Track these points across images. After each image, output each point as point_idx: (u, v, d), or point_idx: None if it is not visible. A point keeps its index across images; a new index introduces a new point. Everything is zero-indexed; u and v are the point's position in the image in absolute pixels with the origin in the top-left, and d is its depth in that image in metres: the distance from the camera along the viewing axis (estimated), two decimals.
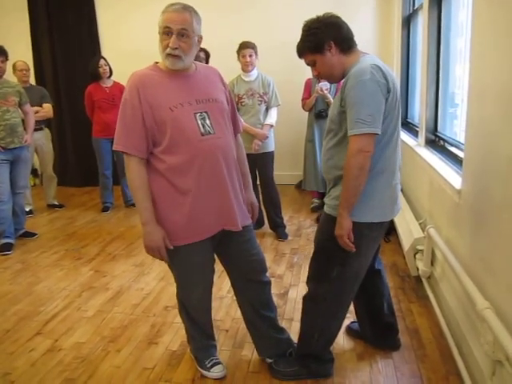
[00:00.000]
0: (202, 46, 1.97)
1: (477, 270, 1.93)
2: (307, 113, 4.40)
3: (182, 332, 2.29)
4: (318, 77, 1.93)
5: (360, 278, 1.96)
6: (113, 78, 4.72)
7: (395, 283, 2.90)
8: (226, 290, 2.86)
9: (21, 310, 2.79)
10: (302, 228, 4.11)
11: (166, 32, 1.69)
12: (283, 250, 3.60)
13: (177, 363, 2.21)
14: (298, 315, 2.56)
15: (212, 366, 2.08)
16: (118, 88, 4.59)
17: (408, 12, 4.42)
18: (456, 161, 2.55)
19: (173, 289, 2.15)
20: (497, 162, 1.74)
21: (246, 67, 3.65)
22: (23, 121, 3.91)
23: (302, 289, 2.90)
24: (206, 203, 1.80)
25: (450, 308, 2.31)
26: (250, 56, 3.60)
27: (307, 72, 3.80)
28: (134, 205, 4.63)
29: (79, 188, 5.89)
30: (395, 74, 4.52)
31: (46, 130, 4.82)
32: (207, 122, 1.77)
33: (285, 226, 3.94)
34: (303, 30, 1.80)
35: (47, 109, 4.65)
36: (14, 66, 4.52)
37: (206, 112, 1.78)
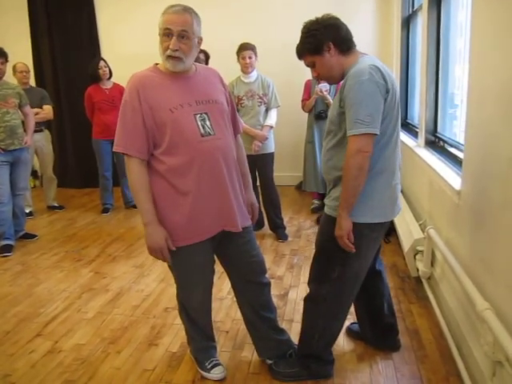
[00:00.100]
0: (202, 47, 1.97)
1: (477, 270, 1.93)
2: (307, 114, 4.40)
3: (182, 333, 2.29)
4: (318, 78, 1.94)
5: (360, 279, 1.96)
6: (112, 79, 4.72)
7: (395, 284, 2.90)
8: (226, 291, 2.86)
9: (21, 311, 2.79)
10: (301, 229, 4.10)
11: (166, 34, 1.69)
12: (283, 251, 3.60)
13: (177, 364, 2.21)
14: (297, 316, 2.57)
15: (212, 368, 2.08)
16: (118, 89, 4.59)
17: (407, 13, 4.42)
18: (456, 162, 2.55)
19: (173, 290, 2.15)
20: (496, 163, 1.74)
21: (246, 69, 3.65)
22: (23, 122, 3.91)
23: (302, 290, 2.91)
24: (206, 204, 1.80)
25: (450, 309, 2.31)
26: (250, 57, 3.61)
27: (307, 73, 3.80)
28: (134, 206, 4.64)
29: (79, 189, 5.89)
30: (395, 74, 4.53)
31: (46, 132, 4.82)
32: (207, 123, 1.77)
33: (285, 227, 3.94)
34: (302, 32, 1.81)
35: (47, 110, 4.65)
36: (13, 68, 4.52)
37: (205, 113, 1.78)
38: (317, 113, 4.24)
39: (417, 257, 2.86)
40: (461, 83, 2.83)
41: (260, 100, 3.69)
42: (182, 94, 1.76)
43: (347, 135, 1.68)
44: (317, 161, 4.31)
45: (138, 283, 3.12)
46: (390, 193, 1.83)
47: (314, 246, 2.04)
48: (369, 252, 1.92)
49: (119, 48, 5.60)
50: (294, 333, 2.36)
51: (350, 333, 2.36)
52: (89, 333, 2.51)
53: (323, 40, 1.75)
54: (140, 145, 1.73)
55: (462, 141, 2.43)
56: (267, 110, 3.75)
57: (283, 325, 2.39)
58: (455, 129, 3.03)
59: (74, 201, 5.43)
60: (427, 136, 3.29)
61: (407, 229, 3.12)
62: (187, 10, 1.71)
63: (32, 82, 5.09)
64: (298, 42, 1.84)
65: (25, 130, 3.89)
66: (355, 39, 1.84)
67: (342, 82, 1.79)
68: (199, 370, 2.12)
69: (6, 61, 3.73)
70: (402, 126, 4.08)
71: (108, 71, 4.62)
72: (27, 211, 4.52)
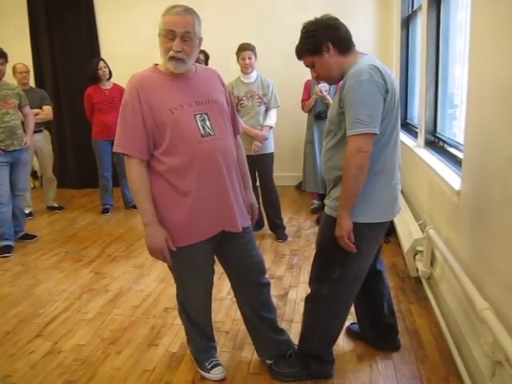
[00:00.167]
0: (202, 47, 1.97)
1: (476, 270, 1.93)
2: (307, 114, 4.41)
3: (181, 333, 2.29)
4: (318, 78, 1.94)
5: (361, 279, 1.96)
6: (112, 80, 4.72)
7: (395, 284, 2.90)
8: (225, 291, 2.86)
9: (21, 312, 2.79)
10: (301, 229, 4.11)
11: (168, 35, 1.68)
12: (283, 251, 3.60)
13: (177, 365, 2.21)
14: (297, 316, 2.57)
15: (212, 368, 2.08)
16: (118, 90, 4.60)
17: (407, 13, 4.42)
18: (455, 162, 2.56)
19: (173, 290, 2.15)
20: (496, 163, 1.74)
21: (246, 69, 3.65)
22: (23, 123, 3.91)
23: (302, 290, 2.91)
24: (206, 204, 1.80)
25: (449, 309, 2.31)
26: (250, 58, 3.61)
27: (306, 73, 3.80)
28: (133, 206, 4.64)
29: (79, 190, 5.89)
30: (394, 74, 4.53)
31: (46, 132, 4.82)
32: (207, 123, 1.78)
33: (284, 227, 3.94)
34: (302, 33, 1.82)
35: (47, 111, 4.65)
36: (13, 69, 4.53)
37: (205, 113, 1.78)
38: (316, 113, 4.24)
39: (416, 257, 2.86)
40: (460, 83, 2.83)
41: (260, 100, 3.69)
42: (181, 95, 1.76)
43: (347, 135, 1.69)
44: (316, 161, 4.31)
45: (138, 283, 3.12)
46: (389, 193, 1.83)
47: (313, 246, 2.04)
48: (369, 252, 1.92)
49: (119, 48, 5.60)
50: (294, 333, 2.36)
51: (350, 333, 2.36)
52: (89, 333, 2.52)
53: (322, 40, 1.76)
54: (140, 145, 1.73)
55: (461, 141, 2.43)
56: (267, 111, 3.75)
57: (283, 325, 2.39)
58: (455, 129, 3.03)
59: (73, 201, 5.43)
60: (427, 136, 3.29)
61: (407, 229, 3.12)
62: (189, 10, 1.71)
63: (32, 83, 5.10)
64: (297, 42, 1.85)
65: (24, 131, 3.89)
66: (355, 39, 1.84)
67: (341, 82, 1.79)
68: (199, 371, 2.12)
69: (6, 61, 3.73)
70: (402, 126, 4.08)
71: (108, 72, 4.62)
72: (27, 212, 4.53)
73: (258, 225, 3.92)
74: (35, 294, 3.02)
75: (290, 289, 2.95)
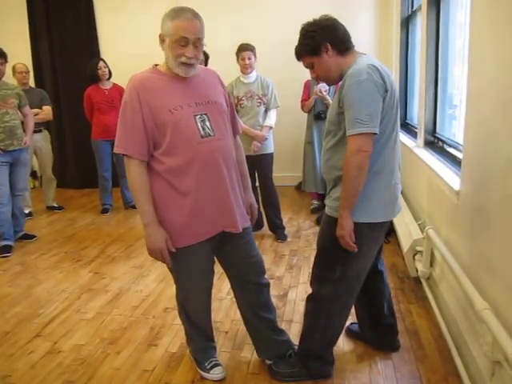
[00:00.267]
0: None
1: (476, 270, 1.93)
2: (306, 114, 4.41)
3: (181, 334, 2.29)
4: (317, 79, 1.94)
5: (362, 279, 1.97)
6: (112, 80, 4.72)
7: (394, 284, 2.90)
8: (225, 291, 2.86)
9: (20, 312, 2.79)
10: (301, 229, 4.11)
11: (181, 41, 1.68)
12: (282, 252, 3.60)
13: (176, 365, 2.21)
14: (297, 317, 2.57)
15: (211, 368, 2.08)
16: (118, 90, 4.60)
17: (407, 13, 4.43)
18: (455, 162, 2.56)
19: (172, 290, 2.15)
20: (495, 163, 1.74)
21: (245, 69, 3.65)
22: (22, 123, 3.91)
23: (302, 290, 2.91)
24: (205, 205, 1.80)
25: (449, 309, 2.32)
26: (249, 58, 3.61)
27: (306, 73, 3.80)
28: (133, 206, 4.64)
29: (78, 190, 5.89)
30: (394, 75, 4.53)
31: (46, 132, 4.82)
32: (207, 124, 1.78)
33: (284, 228, 3.94)
34: (300, 34, 1.82)
35: (47, 111, 4.65)
36: (13, 69, 4.53)
37: (205, 114, 1.78)
38: (316, 113, 4.24)
39: (416, 257, 2.86)
40: (460, 83, 2.83)
41: (259, 100, 3.69)
42: (182, 95, 1.76)
43: (347, 135, 1.69)
44: (316, 161, 4.31)
45: (138, 284, 3.12)
46: (389, 192, 1.83)
47: (313, 247, 2.05)
48: (370, 251, 1.93)
49: (118, 48, 5.59)
50: (294, 333, 2.36)
51: (350, 333, 2.36)
52: (88, 333, 2.51)
53: (321, 41, 1.76)
54: (140, 146, 1.73)
55: (461, 141, 2.43)
56: (266, 111, 3.76)
57: (282, 325, 2.39)
58: (454, 129, 3.03)
59: (73, 201, 5.43)
60: (426, 136, 3.29)
61: (406, 229, 3.12)
62: (197, 15, 1.71)
63: (31, 83, 5.10)
64: (297, 42, 1.85)
65: (24, 131, 3.89)
66: (355, 39, 1.85)
67: (340, 83, 1.79)
68: (199, 371, 2.12)
69: (6, 61, 3.73)
70: (401, 126, 4.08)
71: (107, 72, 4.62)
72: (26, 212, 4.53)
73: (258, 225, 3.93)
74: (35, 294, 3.02)
75: (290, 289, 2.95)
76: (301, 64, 1.91)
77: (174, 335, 2.45)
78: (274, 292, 2.56)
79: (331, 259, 1.90)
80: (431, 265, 2.70)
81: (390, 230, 3.41)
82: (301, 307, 2.68)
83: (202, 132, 1.76)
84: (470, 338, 1.97)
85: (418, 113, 3.57)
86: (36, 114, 4.37)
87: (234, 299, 2.15)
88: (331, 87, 4.06)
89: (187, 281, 1.97)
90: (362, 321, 2.29)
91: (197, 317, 2.07)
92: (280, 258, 3.48)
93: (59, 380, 2.13)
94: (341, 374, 2.08)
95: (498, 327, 1.55)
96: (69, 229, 4.40)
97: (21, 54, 5.35)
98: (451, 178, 2.39)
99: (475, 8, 2.03)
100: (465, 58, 2.35)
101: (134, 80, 1.75)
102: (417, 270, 2.83)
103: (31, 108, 4.10)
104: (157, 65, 1.84)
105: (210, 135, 1.77)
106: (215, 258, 2.01)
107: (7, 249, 3.75)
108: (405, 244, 3.03)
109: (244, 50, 3.62)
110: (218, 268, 2.03)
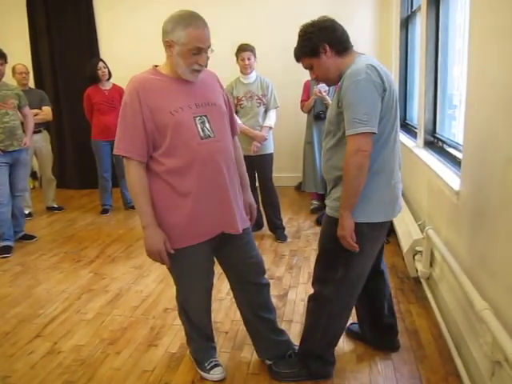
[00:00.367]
0: None
1: (476, 271, 1.93)
2: (306, 115, 4.41)
3: (181, 334, 2.29)
4: (317, 79, 1.95)
5: (363, 279, 1.97)
6: (111, 80, 4.71)
7: (394, 284, 2.90)
8: (225, 291, 2.86)
9: (20, 312, 2.79)
10: (301, 230, 4.11)
11: (195, 50, 1.68)
12: (282, 252, 3.60)
13: (176, 365, 2.21)
14: (297, 317, 2.57)
15: (211, 368, 2.08)
16: (117, 91, 4.60)
17: (406, 14, 4.43)
18: (454, 162, 2.56)
19: (172, 291, 2.16)
20: (495, 163, 1.74)
21: (245, 70, 3.66)
22: (22, 124, 3.91)
23: (302, 290, 2.91)
24: (206, 206, 1.80)
25: (449, 309, 2.32)
26: (249, 59, 3.61)
27: (306, 74, 3.80)
28: (133, 207, 4.60)
29: (78, 190, 5.89)
30: (394, 75, 4.53)
31: (45, 133, 4.82)
32: (207, 125, 1.78)
33: (284, 228, 3.94)
34: (299, 35, 1.83)
35: (46, 112, 4.65)
36: (13, 69, 4.53)
37: (205, 116, 1.78)
38: (316, 113, 4.25)
39: (416, 257, 2.86)
40: (459, 84, 2.84)
41: (259, 101, 3.69)
42: (182, 97, 1.76)
43: (346, 135, 1.69)
44: (316, 161, 4.31)
45: (138, 284, 3.12)
46: (389, 192, 1.84)
47: (313, 247, 2.05)
48: (371, 251, 1.93)
49: (118, 49, 5.60)
50: (294, 333, 2.36)
51: (350, 333, 2.36)
52: (88, 334, 2.52)
53: (319, 42, 1.77)
54: (140, 147, 1.73)
55: (460, 141, 2.43)
56: (266, 111, 3.76)
57: (282, 325, 2.39)
58: (454, 129, 3.03)
59: (73, 202, 5.43)
60: (426, 136, 3.29)
61: (406, 229, 3.12)
62: (204, 21, 1.71)
63: (31, 84, 5.10)
64: (296, 43, 1.85)
65: (24, 131, 3.89)
66: (354, 40, 1.85)
67: (339, 83, 1.80)
68: (199, 371, 2.12)
69: (6, 62, 3.73)
70: (401, 126, 4.08)
71: (107, 72, 4.62)
72: (26, 212, 4.53)
73: (258, 225, 3.93)
74: (35, 295, 3.02)
75: (290, 289, 2.95)
76: (300, 65, 1.91)
77: (174, 335, 2.45)
78: (273, 292, 2.56)
79: (333, 259, 1.90)
80: (431, 265, 2.71)
81: (389, 231, 3.41)
82: (301, 307, 2.69)
83: (202, 134, 1.76)
84: (470, 338, 1.97)
85: (417, 113, 3.57)
86: (36, 115, 4.37)
87: (234, 299, 2.15)
88: (331, 87, 4.06)
89: (187, 282, 1.97)
90: (362, 321, 2.30)
91: (197, 317, 2.07)
92: (280, 258, 3.48)
93: (59, 380, 2.13)
94: (341, 374, 2.08)
95: (498, 327, 1.55)
96: (69, 229, 4.40)
97: (20, 54, 5.35)
98: (451, 178, 2.40)
99: (475, 8, 2.03)
100: (464, 58, 2.35)
101: (134, 81, 1.75)
102: (417, 270, 2.83)
103: (31, 109, 4.10)
104: (157, 66, 1.83)
105: (209, 137, 1.77)
106: (215, 259, 2.01)
107: (7, 249, 3.75)
108: (405, 244, 3.03)
109: (244, 50, 3.62)
110: (217, 268, 2.03)
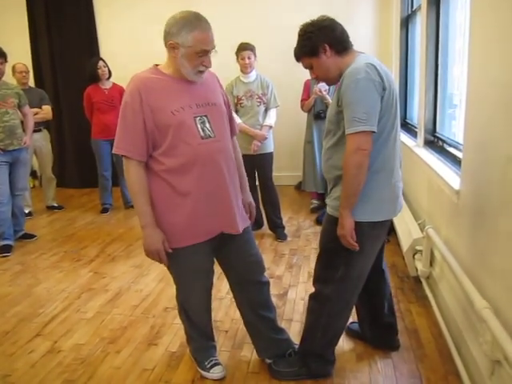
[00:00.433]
0: None
1: (475, 270, 1.94)
2: (306, 114, 4.41)
3: (181, 333, 2.29)
4: (317, 79, 1.95)
5: (364, 278, 1.97)
6: (111, 79, 4.71)
7: (394, 284, 2.90)
8: (225, 291, 2.86)
9: (20, 311, 2.79)
10: (301, 229, 4.11)
11: (201, 53, 1.69)
12: (282, 251, 3.60)
13: (176, 364, 2.21)
14: (297, 316, 2.58)
15: (211, 367, 2.08)
16: (117, 90, 4.60)
17: (406, 13, 4.43)
18: (455, 161, 2.56)
19: (172, 290, 2.16)
20: (495, 163, 1.74)
21: (245, 69, 3.65)
22: (22, 123, 3.91)
23: (301, 289, 2.91)
24: (206, 206, 1.80)
25: (448, 308, 2.32)
26: (249, 58, 3.61)
27: (306, 73, 3.80)
28: (133, 206, 4.62)
29: (78, 189, 5.89)
30: (394, 74, 4.53)
31: (45, 132, 4.82)
32: (207, 125, 1.78)
33: (284, 227, 3.94)
34: (299, 35, 1.83)
35: (46, 111, 4.65)
36: (13, 69, 4.53)
37: (205, 116, 1.78)
38: (316, 113, 4.24)
39: (416, 256, 2.86)
40: (459, 83, 2.84)
41: (259, 100, 3.69)
42: (183, 97, 1.76)
43: (345, 134, 1.69)
44: (316, 161, 4.31)
45: (138, 283, 3.12)
46: (390, 191, 1.83)
47: (313, 246, 2.05)
48: (371, 250, 1.93)
49: (118, 48, 5.59)
50: (294, 332, 2.36)
51: (350, 332, 2.36)
52: (88, 333, 2.52)
53: (318, 42, 1.76)
54: (140, 147, 1.73)
55: (461, 141, 2.43)
56: (266, 110, 3.76)
57: (282, 324, 2.39)
58: (454, 129, 3.03)
59: (73, 201, 5.43)
60: (426, 136, 3.29)
61: (406, 228, 3.12)
62: (208, 23, 1.71)
63: (31, 83, 5.09)
64: (296, 42, 1.85)
65: (24, 130, 3.89)
66: (354, 39, 1.85)
67: (339, 82, 1.80)
68: (199, 370, 2.12)
69: (6, 61, 3.72)
70: (401, 125, 4.08)
71: (107, 71, 4.62)
72: (26, 211, 4.52)
73: (258, 224, 3.93)
74: (35, 294, 3.02)
75: (290, 288, 2.95)
76: (300, 64, 1.91)
77: (174, 334, 2.46)
78: (273, 291, 2.56)
79: (333, 259, 1.90)
80: (431, 264, 2.71)
81: (389, 230, 3.41)
82: (300, 306, 2.69)
83: (202, 133, 1.76)
84: (470, 337, 1.97)
85: (417, 112, 3.57)
86: (35, 114, 4.37)
87: (234, 300, 2.15)
88: (331, 87, 4.05)
89: (187, 281, 1.97)
90: (362, 320, 2.30)
91: (197, 317, 2.08)
92: (280, 257, 3.49)
93: (59, 379, 2.13)
94: (340, 373, 2.09)
95: (498, 326, 1.55)
96: (69, 228, 4.40)
97: (20, 53, 5.34)
98: (451, 177, 2.40)
99: (475, 7, 2.03)
100: (464, 57, 2.35)
101: (135, 80, 1.74)
102: (416, 270, 2.83)
103: (31, 108, 4.10)
104: (157, 65, 1.83)
105: (210, 137, 1.77)
106: (214, 259, 2.01)
107: (7, 248, 3.75)
108: (405, 243, 3.03)
109: (244, 49, 3.62)
110: (217, 268, 2.03)
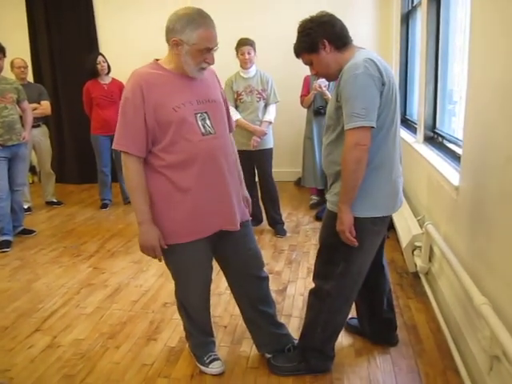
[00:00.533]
0: None
1: (474, 265, 1.94)
2: (306, 110, 4.40)
3: (180, 328, 2.30)
4: (317, 75, 1.94)
5: (364, 273, 1.97)
6: (111, 74, 4.70)
7: (393, 279, 2.90)
8: (224, 286, 2.86)
9: (19, 306, 2.79)
10: (300, 224, 4.11)
11: (205, 50, 1.68)
12: (282, 247, 3.60)
13: (175, 359, 2.21)
14: (296, 311, 2.58)
15: (211, 362, 2.09)
16: (117, 85, 4.59)
17: (407, 9, 4.41)
18: (454, 157, 2.56)
19: (171, 285, 2.16)
20: (495, 159, 1.74)
21: (245, 64, 3.64)
22: (21, 118, 3.90)
23: (301, 285, 2.92)
24: (206, 203, 1.80)
25: (447, 304, 2.32)
26: (249, 53, 3.60)
27: (306, 69, 3.79)
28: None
29: (78, 185, 5.89)
30: (394, 70, 4.52)
31: (44, 127, 4.81)
32: (207, 122, 1.77)
33: (283, 223, 3.94)
34: (298, 31, 1.82)
35: (45, 106, 4.64)
36: (11, 64, 4.51)
37: (205, 112, 1.78)
38: (315, 108, 4.24)
39: (415, 252, 2.86)
40: (459, 79, 2.83)
41: (259, 95, 3.69)
42: (184, 93, 1.75)
43: (344, 129, 1.69)
44: (315, 156, 4.30)
45: (137, 278, 3.12)
46: (390, 187, 1.83)
47: (312, 242, 2.05)
48: (372, 246, 1.93)
49: (117, 43, 5.57)
50: (293, 328, 2.37)
51: (349, 327, 2.37)
52: (87, 328, 2.52)
53: (318, 38, 1.76)
54: (140, 143, 1.72)
55: (460, 137, 2.43)
56: (266, 106, 3.75)
57: (282, 320, 2.39)
58: (454, 125, 3.03)
59: (72, 196, 5.42)
60: (426, 132, 3.29)
61: (405, 224, 3.12)
62: (212, 20, 1.71)
63: (30, 78, 5.08)
64: (296, 38, 1.85)
65: (23, 126, 3.88)
66: (354, 35, 1.84)
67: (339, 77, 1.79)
68: (198, 365, 2.12)
69: (4, 56, 3.71)
70: (401, 121, 4.08)
71: (106, 66, 4.61)
72: (25, 207, 4.52)
73: (257, 220, 3.92)
74: (34, 289, 3.03)
75: (289, 284, 2.96)
76: (300, 60, 1.90)
77: (174, 330, 2.46)
78: (273, 287, 2.57)
79: (333, 254, 1.90)
80: (430, 260, 2.71)
81: (389, 226, 3.41)
82: (300, 302, 2.69)
83: (203, 130, 1.76)
84: (469, 333, 1.97)
85: (417, 108, 3.57)
86: (34, 109, 4.36)
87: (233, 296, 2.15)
88: (331, 82, 4.04)
89: (186, 278, 1.97)
90: (361, 315, 2.30)
91: (196, 313, 2.08)
92: (279, 253, 3.49)
93: (59, 374, 2.13)
94: (339, 368, 2.09)
95: (497, 322, 1.56)
96: (68, 224, 4.40)
97: (19, 48, 5.32)
98: (451, 173, 2.40)
99: (476, 3, 2.02)
100: (465, 54, 2.35)
101: (136, 75, 1.73)
102: (416, 266, 2.83)
103: (30, 103, 4.09)
104: (157, 59, 1.82)
105: (210, 133, 1.77)
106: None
107: (6, 244, 3.75)
108: (404, 239, 3.03)
109: (243, 44, 3.61)
110: (216, 264, 2.04)
